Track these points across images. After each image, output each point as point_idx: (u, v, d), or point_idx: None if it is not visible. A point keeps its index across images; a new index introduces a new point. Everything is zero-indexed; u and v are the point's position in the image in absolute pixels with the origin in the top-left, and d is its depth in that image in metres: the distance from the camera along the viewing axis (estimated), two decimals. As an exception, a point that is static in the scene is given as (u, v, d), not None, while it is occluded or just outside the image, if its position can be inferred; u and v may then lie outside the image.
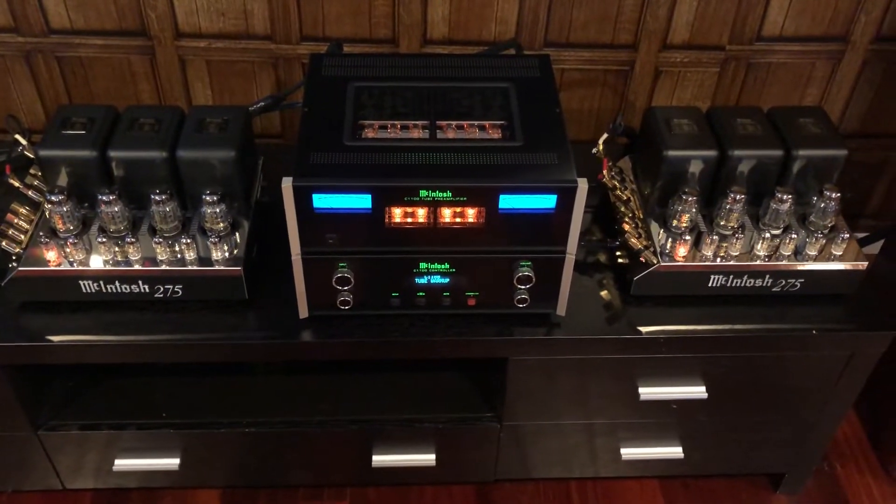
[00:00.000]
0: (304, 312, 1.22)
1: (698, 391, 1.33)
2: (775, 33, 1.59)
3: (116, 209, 1.20)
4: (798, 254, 1.27)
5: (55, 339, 1.21)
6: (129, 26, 1.53)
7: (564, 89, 1.65)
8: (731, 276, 1.26)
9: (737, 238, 1.24)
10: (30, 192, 1.28)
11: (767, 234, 1.25)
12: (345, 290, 1.19)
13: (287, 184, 1.06)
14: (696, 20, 1.56)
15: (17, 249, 1.22)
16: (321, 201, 1.09)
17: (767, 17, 1.57)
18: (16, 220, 1.25)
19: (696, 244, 1.27)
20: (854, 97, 1.70)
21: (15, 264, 1.20)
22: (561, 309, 1.23)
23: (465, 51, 1.57)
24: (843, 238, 1.25)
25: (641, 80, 1.64)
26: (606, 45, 1.59)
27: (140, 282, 1.22)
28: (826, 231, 1.27)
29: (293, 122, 1.70)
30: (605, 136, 1.33)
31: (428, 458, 1.43)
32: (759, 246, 1.26)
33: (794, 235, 1.25)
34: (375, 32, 1.56)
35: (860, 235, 1.54)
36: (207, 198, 1.20)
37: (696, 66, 1.63)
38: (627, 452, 1.46)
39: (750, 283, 1.27)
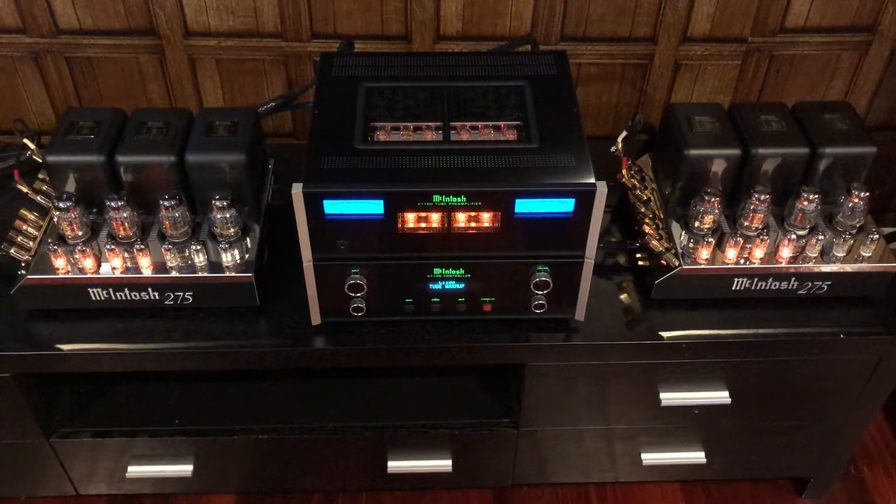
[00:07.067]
0: (316, 319, 1.20)
1: (721, 396, 1.30)
2: (799, 24, 1.54)
3: (125, 215, 1.18)
4: (825, 255, 1.23)
5: (64, 347, 1.19)
6: (138, 26, 1.50)
7: (582, 84, 1.61)
8: (756, 279, 1.23)
9: (761, 239, 1.20)
10: (38, 198, 1.26)
11: (793, 235, 1.21)
12: (357, 297, 1.16)
13: (297, 190, 1.04)
14: (717, 11, 1.51)
15: (26, 257, 1.20)
16: (332, 207, 1.06)
17: (791, 8, 1.52)
18: (24, 227, 1.24)
19: (719, 246, 1.23)
20: (881, 89, 1.65)
21: (24, 272, 1.19)
22: (580, 314, 1.20)
23: (479, 46, 1.54)
24: (872, 239, 1.21)
25: (661, 74, 1.60)
26: (624, 38, 1.55)
27: (150, 289, 1.20)
28: (854, 231, 1.23)
29: (305, 120, 1.67)
30: (623, 133, 1.29)
31: (444, 464, 1.41)
32: (784, 247, 1.22)
33: (820, 236, 1.21)
34: (387, 28, 1.52)
35: (887, 231, 1.49)
36: (217, 203, 1.18)
37: (717, 59, 1.58)
38: (648, 458, 1.43)
39: (775, 285, 1.24)
